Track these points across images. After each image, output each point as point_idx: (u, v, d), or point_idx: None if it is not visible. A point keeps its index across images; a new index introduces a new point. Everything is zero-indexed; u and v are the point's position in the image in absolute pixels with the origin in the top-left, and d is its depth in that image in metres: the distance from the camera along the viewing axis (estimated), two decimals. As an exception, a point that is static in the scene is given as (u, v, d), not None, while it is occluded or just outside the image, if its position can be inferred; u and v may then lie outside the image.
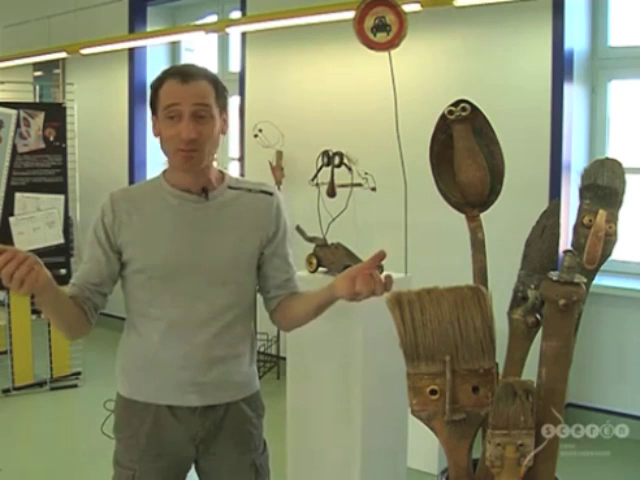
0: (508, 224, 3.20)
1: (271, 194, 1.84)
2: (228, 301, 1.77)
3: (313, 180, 2.96)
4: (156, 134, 1.75)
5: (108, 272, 1.77)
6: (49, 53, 5.88)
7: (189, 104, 1.66)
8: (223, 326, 1.77)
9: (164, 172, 1.81)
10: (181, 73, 1.69)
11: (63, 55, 5.85)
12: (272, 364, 4.88)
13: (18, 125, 4.56)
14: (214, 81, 1.73)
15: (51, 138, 4.67)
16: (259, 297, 1.93)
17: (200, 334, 1.75)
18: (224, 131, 1.77)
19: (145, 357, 1.78)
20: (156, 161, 6.04)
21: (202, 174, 1.75)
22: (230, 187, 1.80)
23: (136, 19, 5.94)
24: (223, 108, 1.75)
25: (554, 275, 1.64)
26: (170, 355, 1.75)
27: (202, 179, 1.76)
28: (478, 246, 1.93)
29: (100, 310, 1.79)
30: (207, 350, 1.75)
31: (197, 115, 1.67)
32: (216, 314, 1.76)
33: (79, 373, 4.84)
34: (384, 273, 1.65)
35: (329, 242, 2.85)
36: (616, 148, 4.03)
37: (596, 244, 1.85)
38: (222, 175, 1.82)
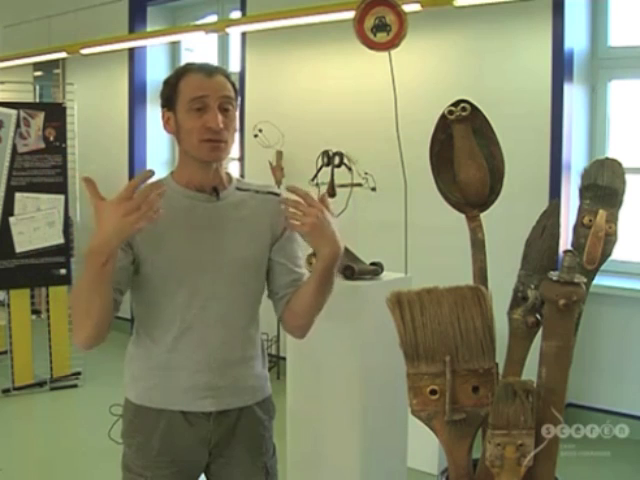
0: (508, 224, 3.20)
1: (279, 195, 1.84)
2: (241, 301, 1.77)
3: (313, 180, 2.96)
4: (170, 130, 1.74)
5: (126, 270, 1.69)
6: (49, 53, 5.88)
7: (216, 96, 1.68)
8: (237, 327, 1.76)
9: (171, 173, 1.80)
10: (204, 68, 1.72)
11: (63, 55, 5.86)
12: (272, 364, 4.87)
13: (18, 125, 4.56)
14: (230, 79, 1.75)
15: (51, 138, 4.68)
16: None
17: (215, 336, 1.73)
18: (235, 128, 1.77)
19: (158, 361, 1.74)
20: (156, 161, 6.04)
21: (216, 172, 1.75)
22: (238, 188, 1.80)
23: (136, 19, 5.94)
24: (235, 107, 1.77)
25: (554, 275, 1.64)
26: (185, 358, 1.72)
27: (215, 177, 1.75)
28: (478, 246, 1.93)
29: (115, 313, 1.68)
30: (222, 352, 1.74)
31: (223, 107, 1.69)
32: (230, 315, 1.75)
33: (79, 373, 4.84)
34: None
35: (329, 242, 2.85)
36: (616, 148, 4.03)
37: (596, 244, 1.85)
38: (229, 176, 1.82)
